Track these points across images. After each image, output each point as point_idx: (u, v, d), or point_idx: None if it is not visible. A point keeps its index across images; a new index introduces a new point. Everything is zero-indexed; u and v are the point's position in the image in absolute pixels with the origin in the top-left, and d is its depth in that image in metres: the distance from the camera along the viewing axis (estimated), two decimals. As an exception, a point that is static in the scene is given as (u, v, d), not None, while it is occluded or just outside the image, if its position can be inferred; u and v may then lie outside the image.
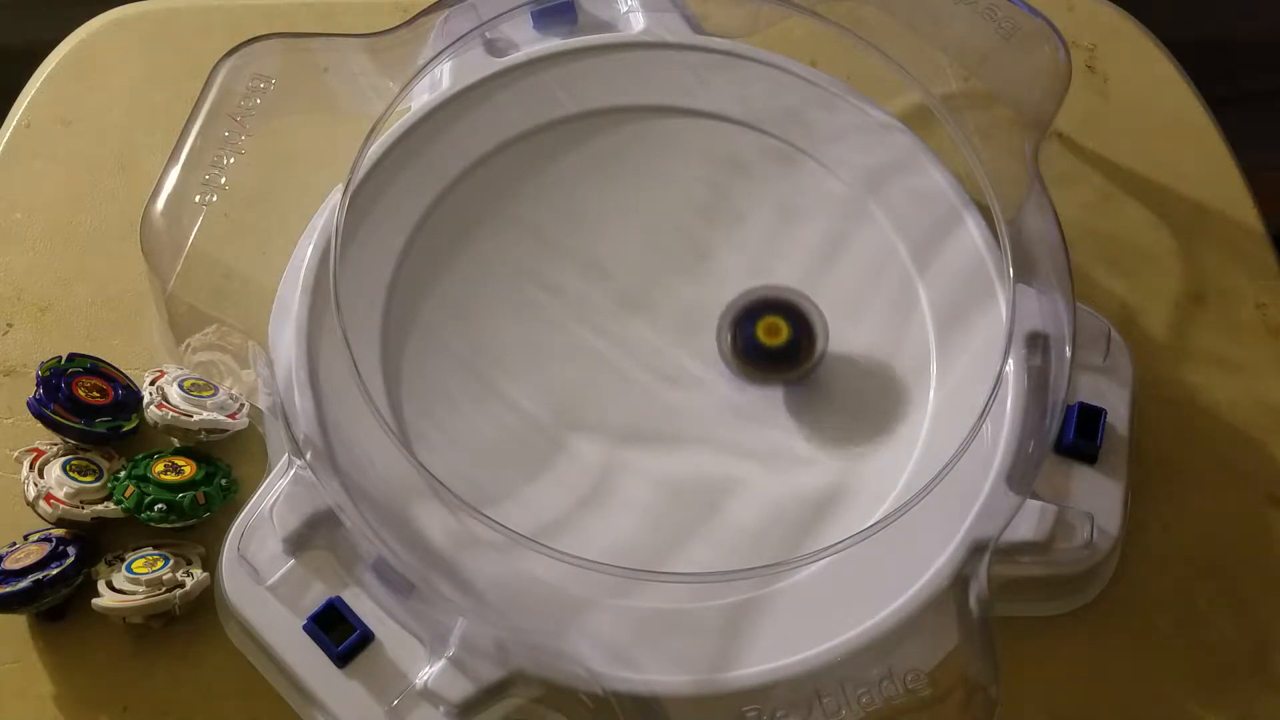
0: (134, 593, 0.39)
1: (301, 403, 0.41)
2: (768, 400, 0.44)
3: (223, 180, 0.44)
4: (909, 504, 0.39)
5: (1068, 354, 0.42)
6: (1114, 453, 0.43)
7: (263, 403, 0.43)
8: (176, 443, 0.43)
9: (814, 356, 0.44)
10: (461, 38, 0.47)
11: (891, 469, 0.43)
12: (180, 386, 0.43)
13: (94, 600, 0.39)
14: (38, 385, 0.42)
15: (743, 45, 0.50)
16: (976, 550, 0.40)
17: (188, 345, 0.44)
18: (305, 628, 0.38)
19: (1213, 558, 0.44)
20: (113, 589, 0.40)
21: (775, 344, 0.44)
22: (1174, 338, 0.49)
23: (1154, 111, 0.55)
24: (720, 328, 0.44)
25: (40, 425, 0.42)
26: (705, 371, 0.45)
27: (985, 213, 0.46)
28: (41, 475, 0.41)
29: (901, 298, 0.46)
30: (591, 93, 0.49)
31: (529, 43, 0.50)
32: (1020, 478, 0.42)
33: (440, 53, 0.47)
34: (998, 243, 0.45)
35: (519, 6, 0.49)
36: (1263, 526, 0.45)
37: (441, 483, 0.38)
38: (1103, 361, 0.45)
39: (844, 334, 0.46)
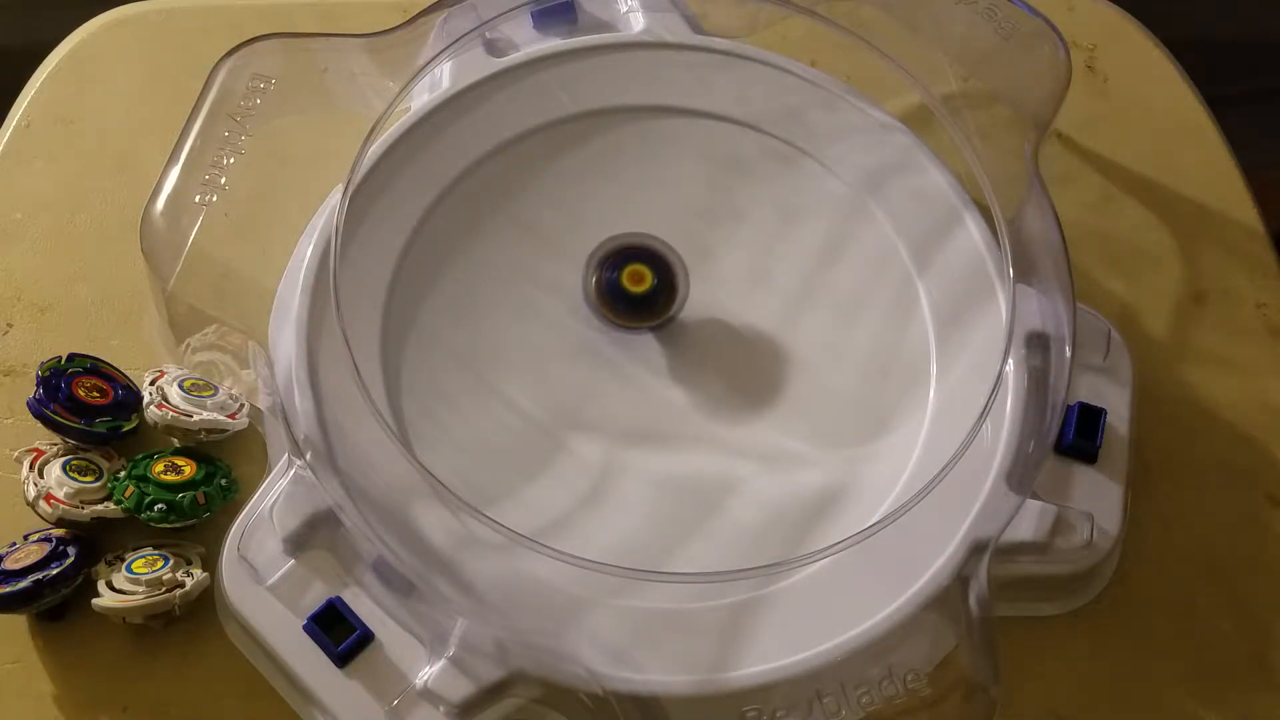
0: (134, 593, 0.39)
1: (301, 403, 0.41)
2: (767, 400, 0.44)
3: (223, 180, 0.44)
4: (909, 504, 0.39)
5: (1068, 354, 0.42)
6: (1114, 453, 0.43)
7: (263, 403, 0.43)
8: (176, 443, 0.43)
9: (675, 304, 0.45)
10: (461, 38, 0.47)
11: (891, 469, 0.43)
12: (180, 386, 0.43)
13: (94, 600, 0.39)
14: (38, 385, 0.42)
15: (743, 45, 0.50)
16: (976, 550, 0.40)
17: (188, 345, 0.44)
18: (305, 628, 0.38)
19: (1213, 558, 0.44)
20: (113, 589, 0.40)
21: (639, 291, 0.44)
22: (1174, 338, 0.49)
23: (1154, 111, 0.55)
24: (585, 273, 0.45)
25: (40, 425, 0.42)
26: (705, 370, 0.45)
27: (985, 213, 0.46)
28: (41, 475, 0.41)
29: (901, 297, 0.46)
30: (591, 93, 0.49)
31: (529, 43, 0.49)
32: (1020, 478, 0.42)
33: (440, 53, 0.47)
34: (998, 243, 0.45)
35: (519, 6, 0.49)
36: (1263, 526, 0.45)
37: (441, 483, 0.38)
38: (1103, 361, 0.45)
39: (844, 333, 0.46)
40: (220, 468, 0.42)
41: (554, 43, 0.49)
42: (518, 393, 0.44)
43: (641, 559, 0.40)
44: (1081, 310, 0.45)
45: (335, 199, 0.43)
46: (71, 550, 0.40)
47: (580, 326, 0.45)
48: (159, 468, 0.41)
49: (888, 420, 0.44)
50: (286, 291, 0.44)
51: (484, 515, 0.38)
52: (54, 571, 0.39)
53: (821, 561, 0.39)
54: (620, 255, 0.45)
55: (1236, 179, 0.53)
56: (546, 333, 0.45)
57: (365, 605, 0.39)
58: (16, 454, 0.42)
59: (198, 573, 0.40)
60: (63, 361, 0.43)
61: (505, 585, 0.39)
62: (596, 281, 0.44)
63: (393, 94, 0.45)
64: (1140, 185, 0.53)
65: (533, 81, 0.48)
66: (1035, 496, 0.42)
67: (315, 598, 0.39)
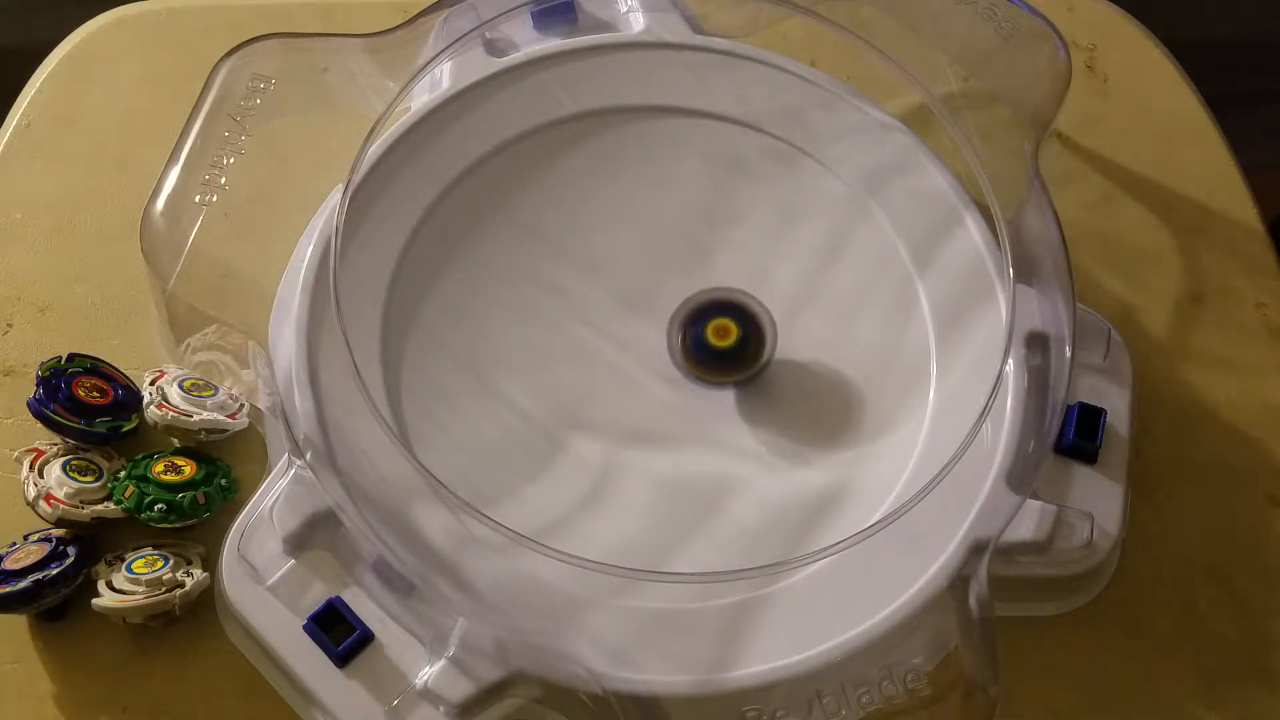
0: (134, 593, 0.39)
1: (301, 403, 0.41)
2: (767, 400, 0.44)
3: (223, 180, 0.44)
4: (909, 504, 0.39)
5: (1068, 354, 0.43)
6: (1114, 453, 0.43)
7: (263, 403, 0.43)
8: (176, 443, 0.43)
9: (762, 358, 0.44)
10: (461, 38, 0.47)
11: (891, 469, 0.43)
12: (180, 386, 0.43)
13: (94, 600, 0.39)
14: (38, 385, 0.42)
15: (743, 45, 0.50)
16: (976, 550, 0.40)
17: (188, 345, 0.44)
18: (305, 628, 0.38)
19: (1213, 558, 0.44)
20: (113, 589, 0.40)
21: (724, 345, 0.44)
22: (1174, 338, 0.49)
23: (1154, 111, 0.55)
24: (670, 329, 0.44)
25: (40, 425, 0.42)
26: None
27: (985, 213, 0.46)
28: (41, 475, 0.41)
29: (901, 298, 0.46)
30: (591, 93, 0.49)
31: (529, 43, 0.50)
32: (1020, 478, 0.42)
33: (440, 53, 0.47)
34: (998, 243, 0.45)
35: (519, 6, 0.49)
36: (1263, 526, 0.45)
37: (441, 483, 0.38)
38: (1103, 361, 0.45)
39: (845, 333, 0.46)
40: (220, 468, 0.42)
41: (554, 43, 0.49)
42: (518, 393, 0.44)
43: (641, 559, 0.40)
44: (1081, 310, 0.45)
45: (335, 199, 0.43)
46: (71, 550, 0.40)
47: (580, 327, 0.45)
48: (159, 468, 0.41)
49: (888, 420, 0.44)
50: (286, 291, 0.44)
51: (484, 515, 0.38)
52: (54, 571, 0.39)
53: (821, 561, 0.39)
54: (704, 310, 0.44)
55: (1236, 179, 0.53)
56: (546, 333, 0.45)
57: (365, 605, 0.39)
58: (16, 454, 0.42)
59: (198, 573, 0.40)
60: (63, 361, 0.43)
61: (505, 585, 0.39)
62: (682, 340, 0.44)
63: (393, 94, 0.45)
64: (1140, 185, 0.53)
65: (533, 81, 0.48)
66: (1035, 496, 0.42)
67: (315, 598, 0.39)
